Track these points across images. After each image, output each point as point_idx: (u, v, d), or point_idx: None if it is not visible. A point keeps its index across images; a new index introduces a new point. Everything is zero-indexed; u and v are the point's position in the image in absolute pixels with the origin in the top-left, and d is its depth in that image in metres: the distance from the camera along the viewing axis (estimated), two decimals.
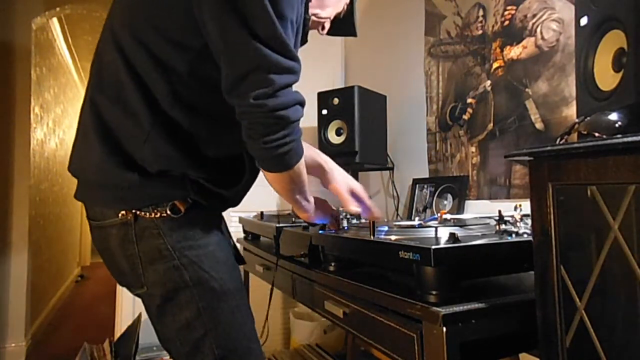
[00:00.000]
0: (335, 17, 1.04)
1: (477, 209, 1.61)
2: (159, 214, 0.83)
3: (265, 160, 0.82)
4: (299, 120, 0.80)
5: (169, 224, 0.84)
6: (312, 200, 1.02)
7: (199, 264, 0.85)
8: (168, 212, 0.83)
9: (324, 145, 1.89)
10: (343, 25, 1.08)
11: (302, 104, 0.80)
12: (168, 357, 1.81)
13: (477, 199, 1.64)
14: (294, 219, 1.53)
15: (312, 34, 1.04)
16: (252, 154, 0.83)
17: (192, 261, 0.85)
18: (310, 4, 0.92)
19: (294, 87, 0.80)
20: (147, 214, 0.83)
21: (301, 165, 0.86)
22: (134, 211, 0.83)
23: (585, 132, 0.70)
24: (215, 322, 0.86)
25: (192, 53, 0.79)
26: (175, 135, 0.82)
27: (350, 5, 1.05)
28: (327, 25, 1.04)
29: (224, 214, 0.98)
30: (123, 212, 0.83)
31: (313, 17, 0.97)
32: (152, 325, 0.92)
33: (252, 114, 0.74)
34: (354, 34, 1.11)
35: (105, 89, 0.84)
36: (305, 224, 1.43)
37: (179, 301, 0.85)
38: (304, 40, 0.93)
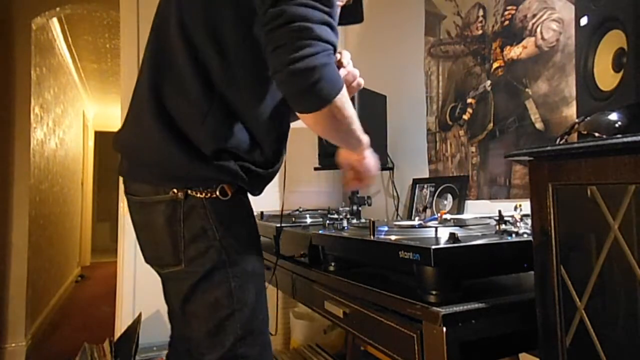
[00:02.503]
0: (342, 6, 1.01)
1: (477, 209, 1.61)
2: (208, 195, 0.89)
3: (298, 94, 0.77)
4: (328, 41, 0.75)
5: (216, 206, 0.89)
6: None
7: (237, 246, 0.91)
8: (217, 194, 0.89)
9: (324, 145, 1.89)
10: (349, 13, 1.08)
11: (331, 26, 0.77)
12: None
13: (477, 199, 1.64)
14: (293, 219, 1.53)
15: None
16: (285, 95, 0.80)
17: (231, 243, 0.90)
18: None
19: None
20: (198, 193, 0.88)
21: (343, 98, 0.80)
22: (186, 190, 0.88)
23: (585, 132, 0.70)
24: (242, 303, 0.91)
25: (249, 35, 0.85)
26: (230, 116, 0.88)
27: None
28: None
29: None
30: (175, 189, 0.88)
31: None
32: (171, 303, 0.98)
33: (274, 27, 0.74)
34: (361, 20, 1.13)
35: (168, 77, 0.89)
36: (306, 224, 1.44)
37: (213, 280, 0.89)
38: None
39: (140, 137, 0.91)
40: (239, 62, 0.86)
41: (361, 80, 0.98)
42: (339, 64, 0.94)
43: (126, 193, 0.98)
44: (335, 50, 0.78)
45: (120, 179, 1.04)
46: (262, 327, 0.97)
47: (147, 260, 1.00)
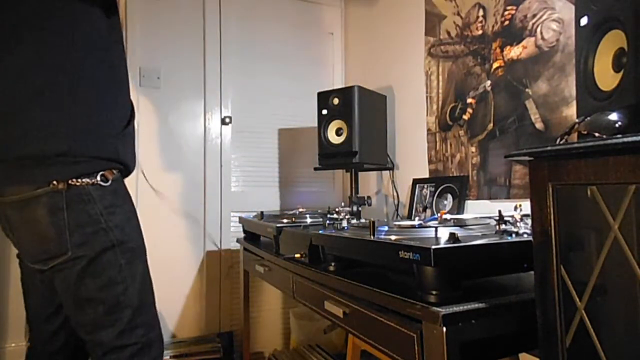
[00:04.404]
0: None
1: (477, 209, 1.61)
2: (90, 182, 0.96)
3: None
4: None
5: (99, 192, 0.97)
6: None
7: (121, 227, 1.00)
8: (98, 180, 0.97)
9: (324, 145, 1.89)
10: None
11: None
12: (168, 357, 1.81)
13: (477, 199, 1.64)
14: (293, 219, 1.53)
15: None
16: None
17: (116, 224, 0.99)
18: None
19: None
20: (79, 182, 0.95)
21: None
22: (66, 180, 0.93)
23: (585, 132, 0.70)
24: (132, 277, 1.01)
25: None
26: (79, 93, 0.97)
27: None
28: None
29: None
30: (54, 181, 0.93)
31: None
32: (61, 293, 1.01)
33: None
34: None
35: (26, 78, 0.95)
36: (306, 224, 1.44)
37: (103, 261, 0.97)
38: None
39: (11, 138, 0.94)
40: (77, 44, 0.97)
41: None
42: None
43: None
44: None
45: None
46: (152, 299, 1.07)
47: (28, 259, 1.03)
